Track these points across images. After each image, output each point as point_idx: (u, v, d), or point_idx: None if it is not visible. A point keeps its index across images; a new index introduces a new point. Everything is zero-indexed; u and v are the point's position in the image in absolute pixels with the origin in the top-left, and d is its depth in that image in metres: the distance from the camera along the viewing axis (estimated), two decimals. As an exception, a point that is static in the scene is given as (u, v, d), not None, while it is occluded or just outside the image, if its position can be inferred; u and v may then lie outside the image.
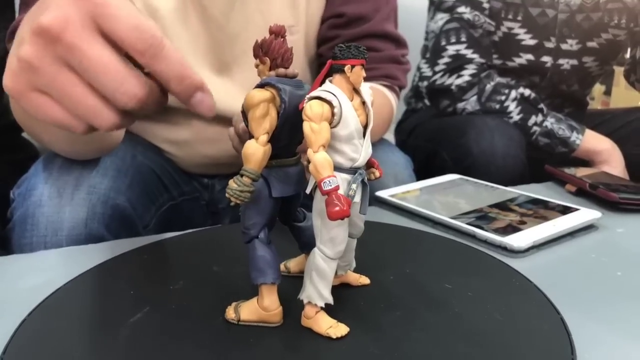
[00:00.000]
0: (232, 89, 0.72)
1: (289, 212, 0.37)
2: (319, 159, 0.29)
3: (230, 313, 0.35)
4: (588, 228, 0.56)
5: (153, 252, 0.47)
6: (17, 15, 0.67)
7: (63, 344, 0.33)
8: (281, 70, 0.32)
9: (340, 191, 0.30)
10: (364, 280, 0.40)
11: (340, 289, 0.38)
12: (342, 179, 0.31)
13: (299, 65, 0.77)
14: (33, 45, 0.31)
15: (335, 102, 0.29)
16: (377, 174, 0.35)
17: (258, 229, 0.33)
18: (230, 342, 0.32)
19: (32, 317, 0.36)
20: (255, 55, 0.32)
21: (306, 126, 0.29)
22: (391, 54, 0.79)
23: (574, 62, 1.07)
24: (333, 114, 0.30)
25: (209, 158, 0.76)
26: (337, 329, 0.32)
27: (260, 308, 0.34)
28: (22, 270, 0.45)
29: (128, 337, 0.33)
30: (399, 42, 0.80)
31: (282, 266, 0.41)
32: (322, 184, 0.28)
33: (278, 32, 0.32)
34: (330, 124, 0.30)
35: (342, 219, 0.28)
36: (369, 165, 0.35)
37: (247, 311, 0.34)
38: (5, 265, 0.46)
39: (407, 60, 0.82)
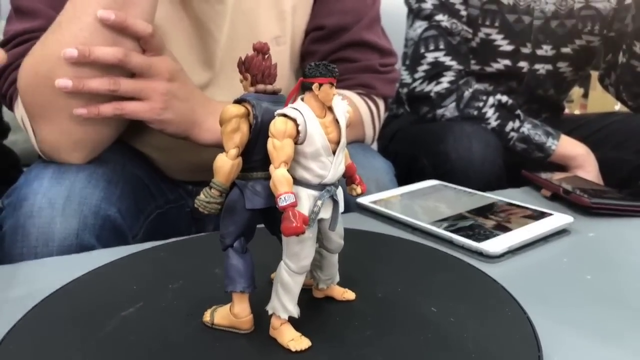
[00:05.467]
0: (220, 97, 0.74)
1: (274, 223, 0.38)
2: (277, 176, 0.30)
3: (206, 316, 0.36)
4: (561, 232, 0.58)
5: (158, 254, 0.49)
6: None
7: (55, 336, 0.35)
8: (260, 87, 0.33)
9: (306, 207, 0.31)
10: (349, 295, 0.39)
11: (322, 303, 0.39)
12: (308, 195, 0.32)
13: (284, 76, 0.78)
14: None
15: (300, 120, 0.30)
16: (359, 190, 0.36)
17: (232, 238, 0.34)
18: (197, 344, 0.34)
19: (25, 319, 0.37)
20: (240, 72, 0.34)
21: (269, 142, 0.30)
22: (367, 64, 0.79)
23: (549, 67, 1.10)
24: (298, 131, 0.30)
25: (192, 164, 0.77)
26: (298, 342, 0.33)
27: (231, 314, 0.35)
28: (14, 279, 0.46)
29: (113, 329, 0.35)
30: (381, 51, 0.81)
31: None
32: (278, 199, 0.29)
33: (260, 50, 0.33)
34: (295, 141, 0.31)
35: (297, 235, 0.29)
36: (351, 181, 0.36)
37: (220, 316, 0.36)
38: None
39: (390, 69, 0.83)
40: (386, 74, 0.82)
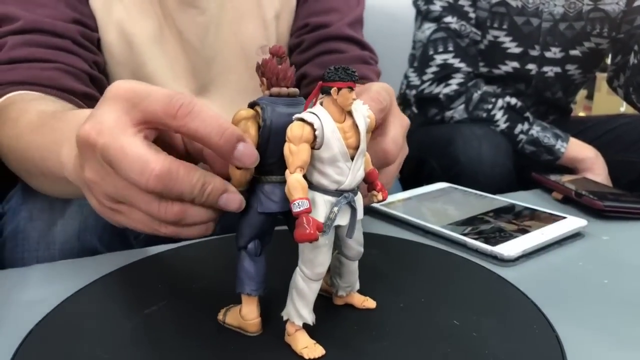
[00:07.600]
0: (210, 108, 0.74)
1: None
2: (291, 181, 0.29)
3: (220, 314, 0.37)
4: (575, 236, 0.57)
5: (185, 253, 0.50)
6: None
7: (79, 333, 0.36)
8: (274, 90, 0.33)
9: (321, 213, 0.31)
10: (369, 304, 0.39)
11: (341, 310, 0.38)
12: (324, 200, 0.31)
13: None
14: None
15: (317, 124, 0.30)
16: (380, 197, 0.35)
17: (246, 241, 0.34)
18: (209, 344, 0.35)
19: (48, 318, 0.37)
20: (258, 76, 0.34)
21: (286, 147, 0.30)
22: (357, 54, 0.79)
23: (558, 69, 1.10)
24: (315, 136, 0.30)
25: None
26: (311, 350, 0.32)
27: (240, 316, 0.35)
28: (24, 284, 0.46)
29: (135, 326, 0.36)
30: (364, 45, 0.81)
31: None
32: (292, 205, 0.29)
33: (275, 53, 0.33)
34: (312, 146, 0.30)
35: (309, 242, 0.29)
36: (372, 187, 0.35)
37: (231, 316, 0.36)
38: (2, 279, 0.46)
39: (375, 62, 0.82)
40: (374, 65, 0.81)
